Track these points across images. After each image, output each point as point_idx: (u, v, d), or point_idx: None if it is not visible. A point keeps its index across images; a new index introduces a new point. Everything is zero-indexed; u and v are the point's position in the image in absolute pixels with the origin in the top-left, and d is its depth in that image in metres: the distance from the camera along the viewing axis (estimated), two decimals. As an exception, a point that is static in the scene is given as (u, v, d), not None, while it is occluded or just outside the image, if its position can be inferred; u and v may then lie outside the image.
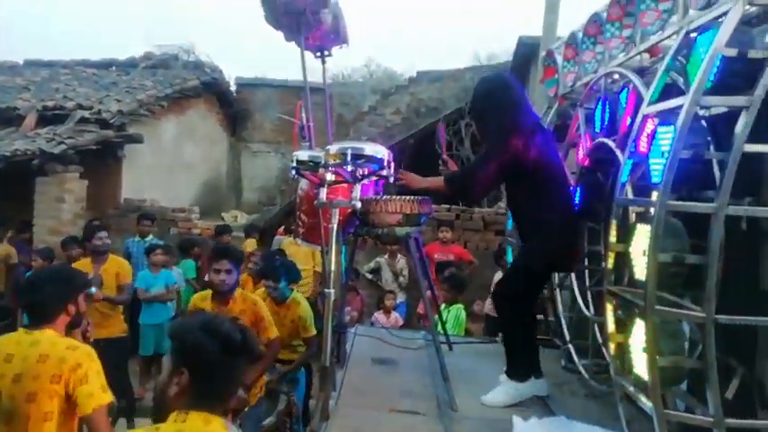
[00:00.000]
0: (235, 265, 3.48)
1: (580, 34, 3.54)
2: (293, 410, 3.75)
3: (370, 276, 7.40)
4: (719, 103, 2.14)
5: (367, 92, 12.81)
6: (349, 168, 2.49)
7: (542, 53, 4.51)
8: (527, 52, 8.27)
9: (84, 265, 4.68)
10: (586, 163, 3.53)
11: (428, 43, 29.76)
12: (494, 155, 2.88)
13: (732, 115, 2.20)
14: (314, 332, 4.11)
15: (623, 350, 2.42)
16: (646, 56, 3.06)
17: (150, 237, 6.89)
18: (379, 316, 6.19)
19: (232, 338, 1.49)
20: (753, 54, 2.09)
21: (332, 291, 2.48)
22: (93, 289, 3.51)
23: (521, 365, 3.01)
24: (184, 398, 1.46)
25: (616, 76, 3.34)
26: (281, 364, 4.08)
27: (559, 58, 3.98)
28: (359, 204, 2.59)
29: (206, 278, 4.21)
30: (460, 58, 29.18)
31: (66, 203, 7.63)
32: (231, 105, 11.97)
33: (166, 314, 5.89)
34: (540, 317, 4.65)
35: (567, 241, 3.00)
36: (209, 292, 3.59)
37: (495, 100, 2.96)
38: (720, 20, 2.12)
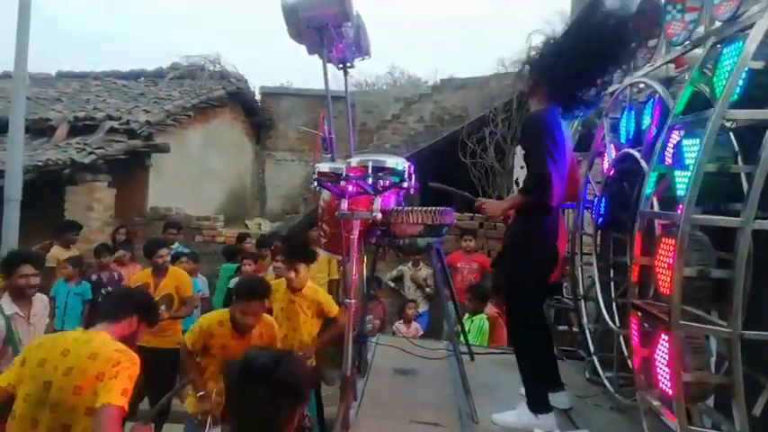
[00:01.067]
0: (262, 305, 3.35)
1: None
2: (303, 424, 3.71)
3: (392, 285, 7.41)
4: (745, 117, 2.13)
5: (390, 100, 12.85)
6: (370, 180, 2.52)
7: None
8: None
9: (144, 276, 4.84)
10: (612, 173, 3.51)
11: (452, 48, 29.72)
12: (539, 152, 2.78)
13: (760, 126, 2.18)
14: (336, 309, 4.00)
15: (648, 364, 2.39)
16: (671, 66, 3.04)
17: (176, 245, 7.01)
18: (399, 326, 6.20)
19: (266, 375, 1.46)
20: (780, 66, 2.08)
21: (352, 301, 2.51)
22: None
23: (538, 396, 2.86)
24: None
25: (642, 86, 3.33)
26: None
27: (584, 69, 3.97)
28: (380, 216, 2.62)
29: None
30: (485, 64, 29.15)
31: (95, 212, 7.84)
32: (256, 114, 12.14)
33: (190, 321, 5.98)
34: (564, 327, 4.65)
35: (546, 251, 2.91)
36: (226, 315, 3.35)
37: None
38: (747, 32, 2.11)
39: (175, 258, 6.23)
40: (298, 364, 1.61)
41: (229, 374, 1.50)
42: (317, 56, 3.37)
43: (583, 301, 3.98)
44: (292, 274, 3.89)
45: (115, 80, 11.39)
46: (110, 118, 8.77)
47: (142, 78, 11.41)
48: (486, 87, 10.09)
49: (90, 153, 7.73)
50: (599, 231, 3.80)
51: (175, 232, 7.19)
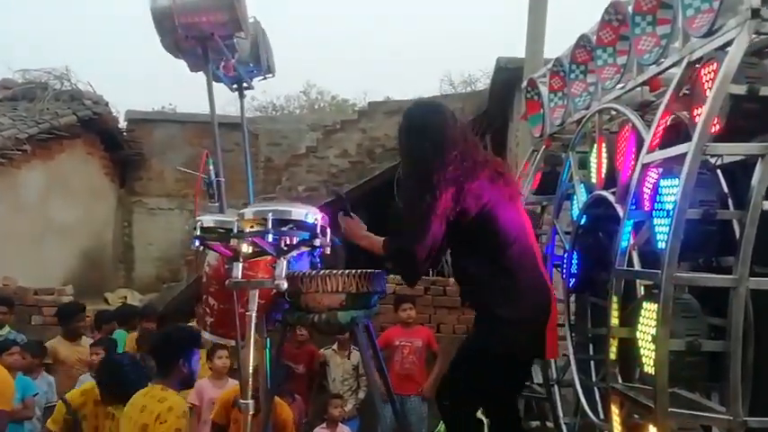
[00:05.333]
0: None
1: (567, 61, 3.79)
2: None
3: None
4: (730, 152, 2.33)
5: (304, 128, 13.02)
6: (270, 238, 2.55)
7: (525, 83, 4.77)
8: (508, 78, 8.63)
9: None
10: (583, 221, 3.69)
11: (385, 64, 30.64)
12: (424, 208, 2.84)
13: (750, 162, 2.39)
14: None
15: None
16: (647, 88, 3.29)
17: (6, 329, 6.67)
18: (321, 431, 6.09)
19: None
20: (766, 91, 2.30)
21: (250, 402, 2.48)
22: None
23: None
24: None
25: (613, 112, 3.57)
26: None
27: (544, 90, 4.22)
28: (284, 284, 2.64)
29: None
30: (427, 83, 30.15)
31: None
32: (120, 148, 11.92)
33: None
34: (535, 423, 4.73)
35: (532, 317, 2.93)
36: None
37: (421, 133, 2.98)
38: (726, 50, 2.34)
39: (2, 349, 5.92)
40: None
41: None
42: (202, 74, 3.41)
43: (557, 387, 4.08)
44: None
45: None
46: None
47: (-44, 100, 11.04)
48: (427, 111, 10.42)
49: None
50: (572, 296, 3.95)
51: (5, 311, 6.85)
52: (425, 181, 2.83)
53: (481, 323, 3.07)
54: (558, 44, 4.27)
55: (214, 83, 3.44)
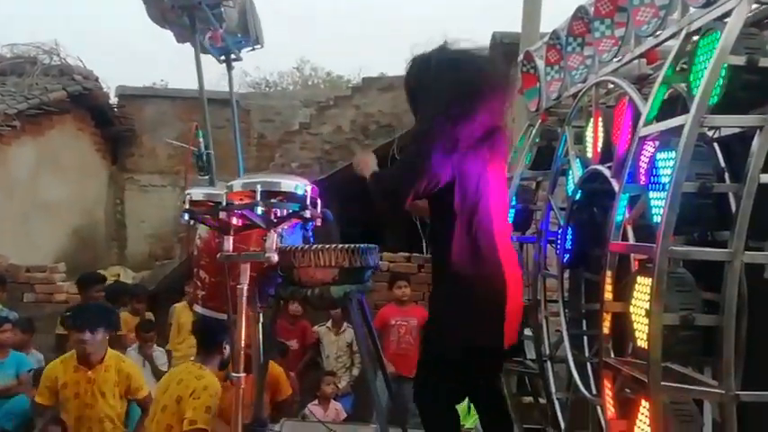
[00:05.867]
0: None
1: (564, 33, 3.76)
2: None
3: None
4: (728, 124, 2.31)
5: (298, 104, 12.95)
6: (259, 210, 2.53)
7: (521, 56, 4.73)
8: (504, 53, 8.58)
9: None
10: (578, 196, 3.68)
11: (380, 39, 30.46)
12: (424, 140, 2.91)
13: (748, 135, 2.38)
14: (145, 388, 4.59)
15: (628, 440, 2.49)
16: (645, 61, 3.27)
17: (-1, 307, 6.68)
18: (313, 407, 6.12)
19: None
20: (765, 62, 2.28)
21: (241, 375, 2.48)
22: None
23: None
24: None
25: (611, 86, 3.55)
26: None
27: (541, 63, 4.18)
28: (275, 257, 2.63)
29: None
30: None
31: None
32: (111, 124, 11.87)
33: (19, 414, 5.65)
34: (528, 398, 4.76)
35: (490, 310, 2.92)
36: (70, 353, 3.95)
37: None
38: (725, 20, 2.31)
39: (-6, 326, 5.94)
40: None
41: None
42: (189, 45, 3.37)
43: (549, 362, 4.10)
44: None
45: None
46: None
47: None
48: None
49: None
50: (566, 271, 3.95)
51: (-2, 289, 6.88)
52: (438, 131, 2.85)
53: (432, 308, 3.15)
54: (554, 19, 4.22)
55: (202, 55, 3.42)
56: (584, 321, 4.00)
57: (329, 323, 7.25)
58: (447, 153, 2.83)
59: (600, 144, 3.44)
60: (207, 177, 3.37)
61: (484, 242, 2.92)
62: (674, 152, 2.31)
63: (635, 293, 2.43)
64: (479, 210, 2.93)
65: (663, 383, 2.19)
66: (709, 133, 2.67)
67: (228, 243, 2.63)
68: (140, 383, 4.50)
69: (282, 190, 2.60)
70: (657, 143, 2.58)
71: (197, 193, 2.76)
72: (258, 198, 2.52)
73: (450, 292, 2.92)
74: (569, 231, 3.75)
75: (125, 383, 4.43)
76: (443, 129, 2.83)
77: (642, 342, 2.31)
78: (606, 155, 3.37)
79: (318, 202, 2.76)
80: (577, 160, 3.76)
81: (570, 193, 3.80)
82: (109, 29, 32.53)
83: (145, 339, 6.22)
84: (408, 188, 2.85)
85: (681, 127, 2.29)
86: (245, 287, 2.62)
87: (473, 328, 2.86)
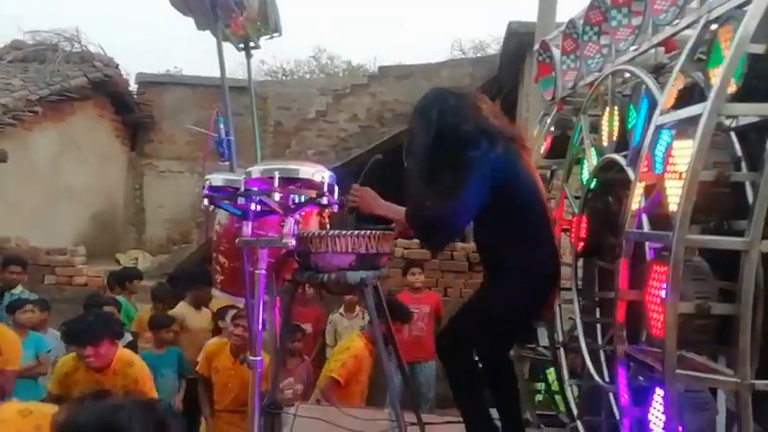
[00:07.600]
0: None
1: (581, 22, 3.72)
2: None
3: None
4: (746, 112, 2.28)
5: (314, 92, 12.94)
6: (276, 196, 2.53)
7: (537, 45, 4.70)
8: (520, 43, 8.53)
9: None
10: (593, 184, 3.66)
11: (397, 29, 30.33)
12: (462, 179, 2.93)
13: (766, 125, 2.35)
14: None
15: (641, 428, 2.49)
16: (661, 50, 3.23)
17: (19, 288, 6.74)
18: (328, 391, 6.14)
19: None
20: (785, 51, 2.25)
21: (258, 358, 2.49)
22: None
23: None
24: None
25: (627, 75, 3.51)
26: None
27: (557, 52, 4.15)
28: (292, 242, 2.63)
29: None
30: (438, 50, 29.82)
31: None
32: (131, 110, 11.93)
33: (36, 394, 5.72)
34: (540, 384, 4.76)
35: (539, 283, 3.12)
36: None
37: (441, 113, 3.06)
38: (745, 8, 2.28)
39: (17, 307, 5.99)
40: (142, 414, 1.73)
41: None
42: (209, 33, 3.37)
43: (563, 350, 4.09)
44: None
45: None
46: None
47: (-32, 61, 11.01)
48: (436, 77, 10.34)
49: None
50: (580, 260, 3.93)
51: (19, 271, 6.91)
52: (461, 157, 2.93)
53: (497, 282, 3.18)
54: (570, 9, 4.19)
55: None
56: (598, 309, 3.98)
57: (342, 309, 7.26)
58: (483, 170, 2.91)
59: (615, 133, 3.42)
60: (227, 163, 3.38)
61: (544, 231, 3.17)
62: (690, 141, 2.29)
63: (650, 281, 2.42)
64: (536, 202, 3.12)
65: (678, 371, 2.18)
66: (727, 122, 2.64)
67: (248, 228, 2.63)
68: (148, 387, 4.41)
69: (301, 177, 2.60)
70: (674, 132, 2.56)
71: (217, 179, 2.77)
72: (276, 184, 2.52)
73: (518, 269, 3.04)
74: (584, 220, 3.74)
75: (132, 388, 4.33)
76: (466, 150, 2.93)
77: (657, 330, 2.30)
78: (622, 144, 3.35)
79: (336, 188, 2.76)
80: (593, 149, 3.74)
81: (585, 182, 3.78)
82: (126, 17, 32.51)
83: (160, 340, 5.92)
84: (465, 222, 3.06)
85: (698, 116, 2.26)
86: (263, 272, 2.62)
87: (532, 298, 3.12)
